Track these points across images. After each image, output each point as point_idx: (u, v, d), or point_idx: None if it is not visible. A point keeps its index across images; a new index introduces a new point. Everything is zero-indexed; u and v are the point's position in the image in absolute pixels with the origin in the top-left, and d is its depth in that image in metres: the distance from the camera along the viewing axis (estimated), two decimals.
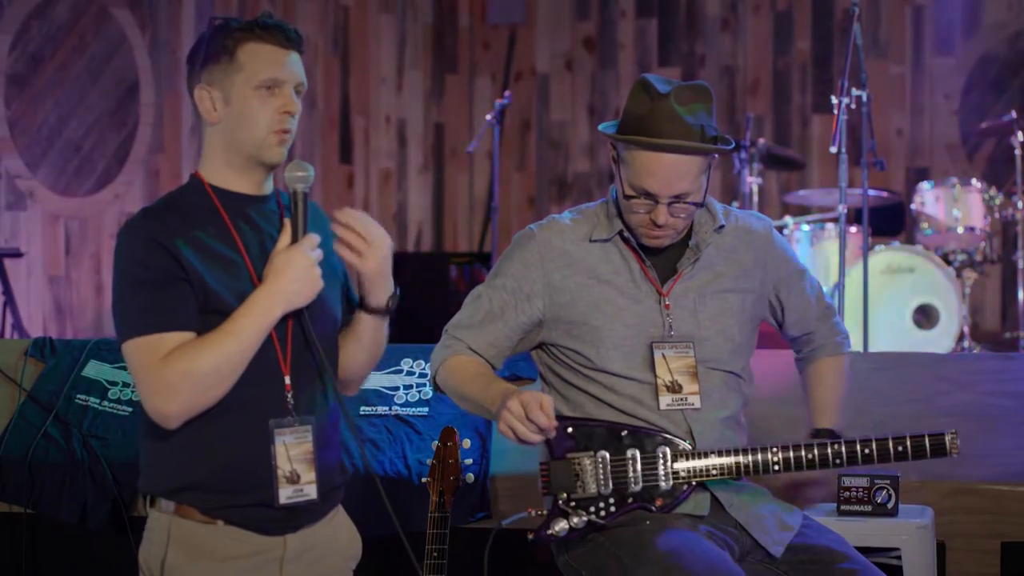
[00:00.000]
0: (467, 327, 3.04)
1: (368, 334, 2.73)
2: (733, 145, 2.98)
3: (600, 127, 3.01)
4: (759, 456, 2.88)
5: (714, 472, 2.88)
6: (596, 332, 2.97)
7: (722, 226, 3.04)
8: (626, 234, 3.00)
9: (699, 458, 2.89)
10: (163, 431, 2.54)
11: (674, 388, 2.95)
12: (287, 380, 2.60)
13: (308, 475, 2.61)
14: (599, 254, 3.01)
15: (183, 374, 2.49)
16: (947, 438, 2.87)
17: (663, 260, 3.01)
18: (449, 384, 3.04)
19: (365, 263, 2.62)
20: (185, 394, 2.50)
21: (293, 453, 2.59)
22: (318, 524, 2.67)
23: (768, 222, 3.17)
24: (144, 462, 2.64)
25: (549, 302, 3.01)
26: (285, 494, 2.58)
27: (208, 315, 2.54)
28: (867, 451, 2.87)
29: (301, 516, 2.63)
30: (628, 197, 2.92)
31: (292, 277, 2.54)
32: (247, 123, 2.60)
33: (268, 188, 2.69)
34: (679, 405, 2.94)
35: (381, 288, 2.67)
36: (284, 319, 2.59)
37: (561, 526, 2.86)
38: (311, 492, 2.61)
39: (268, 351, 2.58)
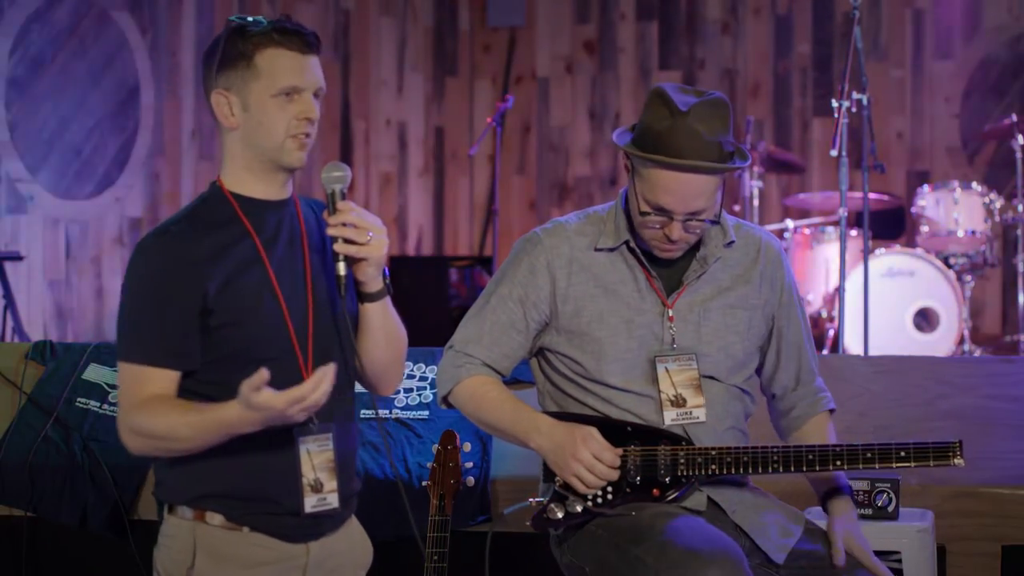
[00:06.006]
0: (476, 341, 3.00)
1: (376, 323, 2.65)
2: (749, 160, 2.97)
3: (615, 137, 2.96)
4: (759, 453, 2.87)
5: (713, 467, 2.87)
6: (598, 343, 2.96)
7: (732, 242, 3.02)
8: (632, 244, 2.98)
9: (699, 455, 2.88)
10: None
11: (678, 402, 2.94)
12: None
13: (330, 483, 2.59)
14: (605, 262, 2.99)
15: (141, 431, 2.49)
16: (952, 449, 2.84)
17: (669, 271, 2.99)
18: (468, 408, 3.01)
19: (371, 251, 2.57)
20: (139, 445, 2.52)
21: (316, 461, 2.57)
22: (338, 532, 2.66)
23: (779, 242, 3.12)
24: (162, 471, 2.62)
25: (555, 309, 2.99)
26: (310, 503, 2.57)
27: (222, 328, 2.52)
28: (868, 454, 2.86)
29: (324, 524, 2.62)
30: (643, 213, 2.90)
31: (267, 418, 2.43)
32: (265, 130, 2.56)
33: (287, 191, 2.66)
34: (684, 420, 2.94)
35: (378, 273, 2.62)
36: (305, 323, 2.57)
37: (558, 511, 2.87)
38: (333, 501, 2.60)
39: (290, 358, 2.56)
